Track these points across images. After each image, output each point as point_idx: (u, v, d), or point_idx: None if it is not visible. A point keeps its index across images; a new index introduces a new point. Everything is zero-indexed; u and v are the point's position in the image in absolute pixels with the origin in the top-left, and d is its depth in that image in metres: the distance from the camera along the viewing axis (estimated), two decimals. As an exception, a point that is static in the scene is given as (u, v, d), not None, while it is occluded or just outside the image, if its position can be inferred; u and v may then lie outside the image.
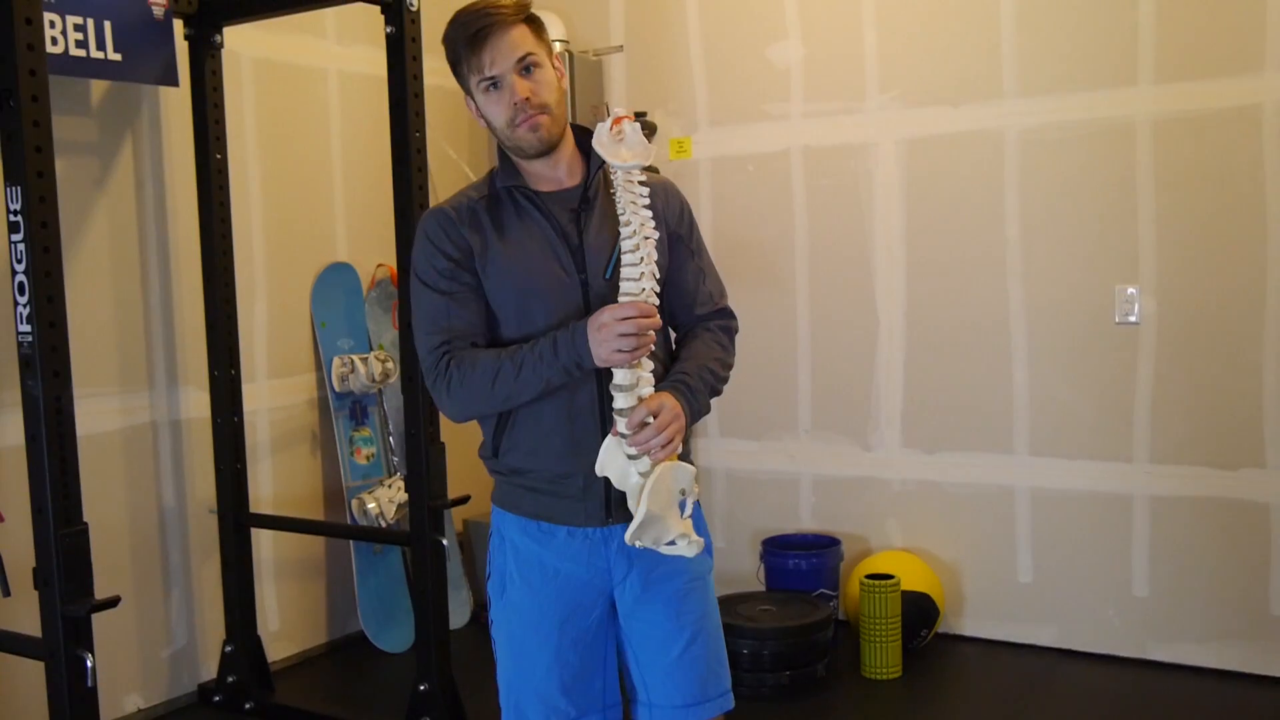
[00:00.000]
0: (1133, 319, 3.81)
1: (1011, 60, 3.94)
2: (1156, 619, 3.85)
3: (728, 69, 4.46)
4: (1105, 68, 3.80)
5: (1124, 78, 3.77)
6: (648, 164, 1.91)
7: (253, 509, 3.81)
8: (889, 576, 3.85)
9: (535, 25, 1.99)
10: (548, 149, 2.01)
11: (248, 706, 3.71)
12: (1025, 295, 3.99)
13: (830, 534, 4.33)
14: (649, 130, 4.53)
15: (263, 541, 3.98)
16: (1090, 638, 3.97)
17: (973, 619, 4.17)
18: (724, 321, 2.19)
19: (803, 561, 4.12)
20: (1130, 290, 3.81)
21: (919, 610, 3.94)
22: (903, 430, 4.24)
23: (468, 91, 2.02)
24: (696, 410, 2.03)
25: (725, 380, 2.14)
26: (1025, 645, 4.07)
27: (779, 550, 4.21)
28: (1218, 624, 3.77)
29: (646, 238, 1.91)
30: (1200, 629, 3.79)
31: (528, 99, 1.95)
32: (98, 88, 3.52)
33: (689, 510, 1.99)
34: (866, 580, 3.84)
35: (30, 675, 3.14)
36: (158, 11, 3.41)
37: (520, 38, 1.96)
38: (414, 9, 3.18)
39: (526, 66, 1.96)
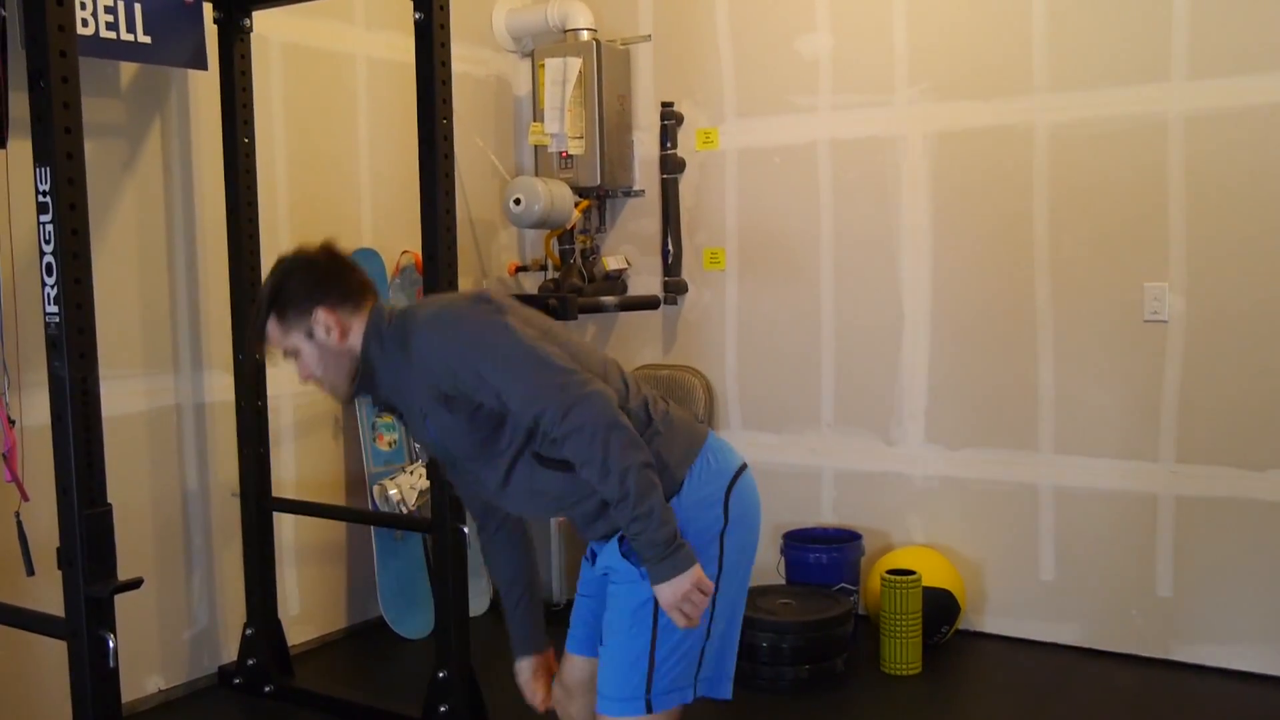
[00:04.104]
0: (1161, 317, 3.78)
1: (1042, 54, 3.90)
2: (1180, 619, 3.82)
3: (756, 60, 4.43)
4: (1137, 63, 3.75)
5: (1157, 73, 3.73)
6: None
7: (275, 493, 3.82)
8: (910, 572, 3.84)
9: (280, 312, 2.14)
10: (346, 400, 2.27)
11: (267, 689, 3.72)
12: (1052, 291, 3.95)
13: (851, 528, 4.31)
14: (675, 120, 4.52)
15: (284, 526, 3.99)
16: (1113, 637, 3.94)
17: (994, 616, 4.15)
18: (562, 435, 1.98)
19: (823, 555, 4.11)
20: (1159, 287, 3.77)
21: (940, 606, 3.93)
22: (926, 425, 4.22)
23: None
24: (650, 540, 1.98)
25: (623, 474, 1.95)
26: (1047, 643, 4.04)
27: (800, 544, 4.19)
28: (1243, 625, 3.73)
29: None
30: (1225, 630, 3.76)
31: (307, 380, 2.19)
32: (127, 70, 3.53)
33: None
34: (887, 576, 3.82)
35: (53, 654, 3.16)
36: (187, -5, 3.42)
37: (273, 336, 2.17)
38: (443, -5, 3.17)
39: (290, 358, 2.18)
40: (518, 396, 2.01)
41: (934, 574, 3.94)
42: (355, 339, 2.14)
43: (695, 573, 1.99)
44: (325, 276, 2.16)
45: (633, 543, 1.99)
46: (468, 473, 2.22)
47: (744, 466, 2.25)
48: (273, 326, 2.15)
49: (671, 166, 4.55)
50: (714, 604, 2.12)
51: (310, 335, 2.14)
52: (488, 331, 2.05)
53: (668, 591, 1.98)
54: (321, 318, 2.13)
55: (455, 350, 2.05)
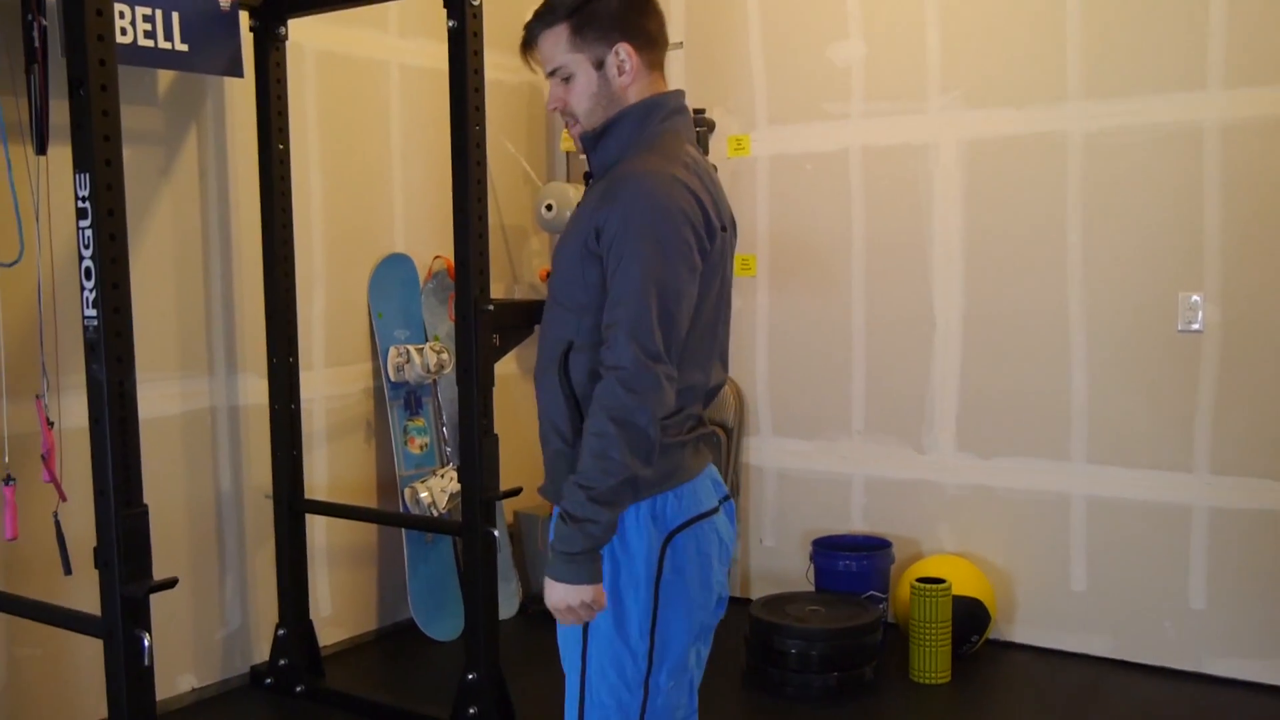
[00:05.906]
0: (1196, 327, 3.75)
1: (1076, 62, 3.88)
2: (1214, 632, 3.79)
3: (788, 67, 4.43)
4: (1173, 71, 3.73)
5: (1193, 81, 3.70)
6: None
7: (308, 495, 3.86)
8: (940, 581, 3.82)
9: (579, 26, 1.92)
10: (583, 150, 2.01)
11: (298, 690, 3.76)
12: (1085, 300, 3.93)
13: (881, 536, 4.30)
14: (707, 127, 4.53)
15: (317, 528, 4.02)
16: (1144, 649, 3.91)
17: (1024, 626, 4.13)
18: (603, 380, 1.81)
19: (853, 563, 4.10)
20: (1194, 298, 3.74)
21: (970, 616, 3.91)
22: (957, 434, 4.20)
23: None
24: (581, 532, 1.79)
25: (610, 469, 1.77)
26: (1077, 654, 4.02)
27: (829, 551, 4.19)
28: (1276, 639, 3.69)
29: None
30: (1259, 644, 3.72)
31: (556, 109, 1.99)
32: (164, 78, 3.58)
33: None
34: (917, 584, 3.81)
35: (89, 652, 3.20)
36: (224, 3, 3.46)
37: (552, 48, 1.95)
38: (476, 3, 3.19)
39: (556, 78, 1.97)
40: (612, 305, 1.81)
41: (964, 583, 3.92)
42: (631, 95, 1.94)
43: (595, 591, 1.82)
44: (643, 12, 1.96)
45: (561, 524, 1.80)
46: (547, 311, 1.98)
47: (706, 514, 1.97)
48: (559, 36, 1.93)
49: (703, 173, 4.55)
50: (651, 655, 1.93)
51: (600, 65, 1.93)
52: (658, 242, 1.81)
53: (559, 592, 1.82)
54: (624, 52, 1.92)
55: (626, 218, 1.82)
